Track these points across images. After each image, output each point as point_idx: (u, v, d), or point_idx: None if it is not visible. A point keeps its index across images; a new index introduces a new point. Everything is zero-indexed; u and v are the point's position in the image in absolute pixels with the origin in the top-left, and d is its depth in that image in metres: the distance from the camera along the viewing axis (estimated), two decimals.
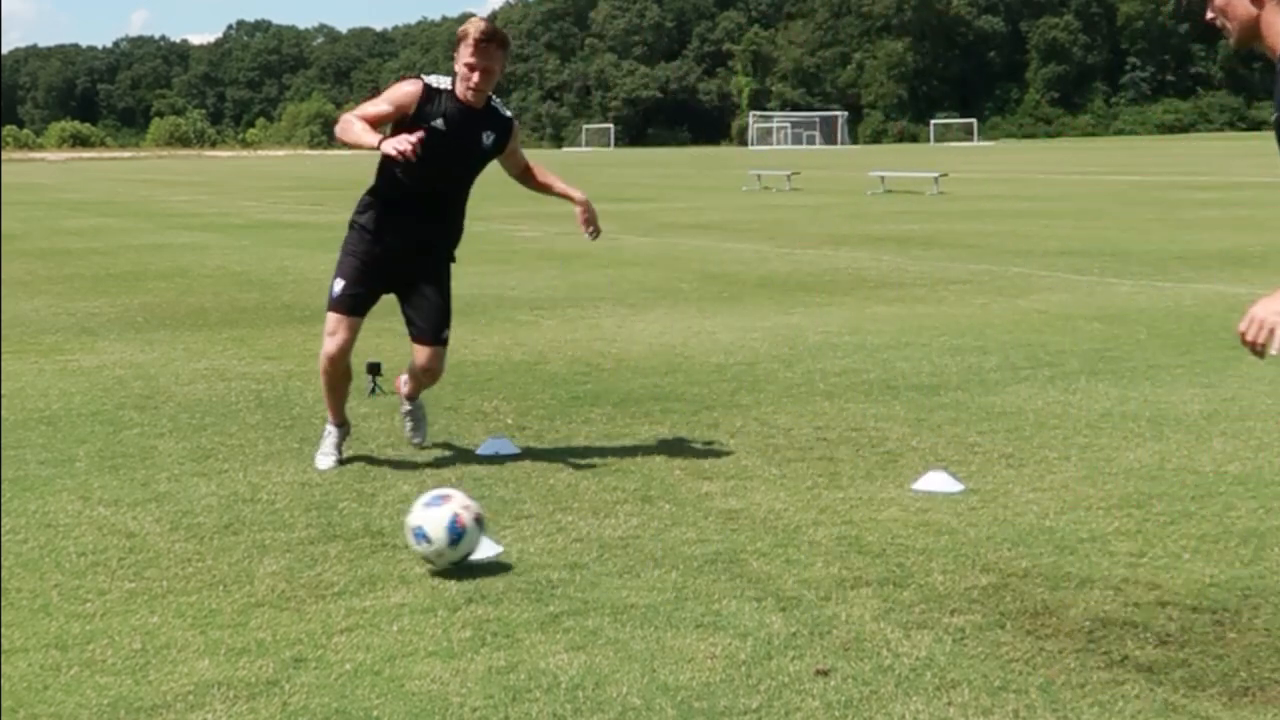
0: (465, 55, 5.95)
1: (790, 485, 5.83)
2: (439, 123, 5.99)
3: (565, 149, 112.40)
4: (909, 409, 7.39)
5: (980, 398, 7.68)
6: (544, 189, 6.57)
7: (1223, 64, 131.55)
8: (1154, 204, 26.25)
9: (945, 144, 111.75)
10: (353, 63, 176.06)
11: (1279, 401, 7.42)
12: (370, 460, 6.41)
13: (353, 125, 5.95)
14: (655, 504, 5.55)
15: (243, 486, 5.94)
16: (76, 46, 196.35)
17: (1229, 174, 39.08)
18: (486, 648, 4.01)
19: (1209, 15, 3.44)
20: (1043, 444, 6.53)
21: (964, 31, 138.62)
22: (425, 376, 6.46)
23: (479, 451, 6.54)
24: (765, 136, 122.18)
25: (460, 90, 6.02)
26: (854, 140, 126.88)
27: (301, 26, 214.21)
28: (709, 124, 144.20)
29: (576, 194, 6.43)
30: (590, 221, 6.39)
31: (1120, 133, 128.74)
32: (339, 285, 6.26)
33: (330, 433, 6.45)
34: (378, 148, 5.76)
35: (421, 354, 6.37)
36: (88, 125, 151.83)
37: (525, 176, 6.51)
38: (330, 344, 6.26)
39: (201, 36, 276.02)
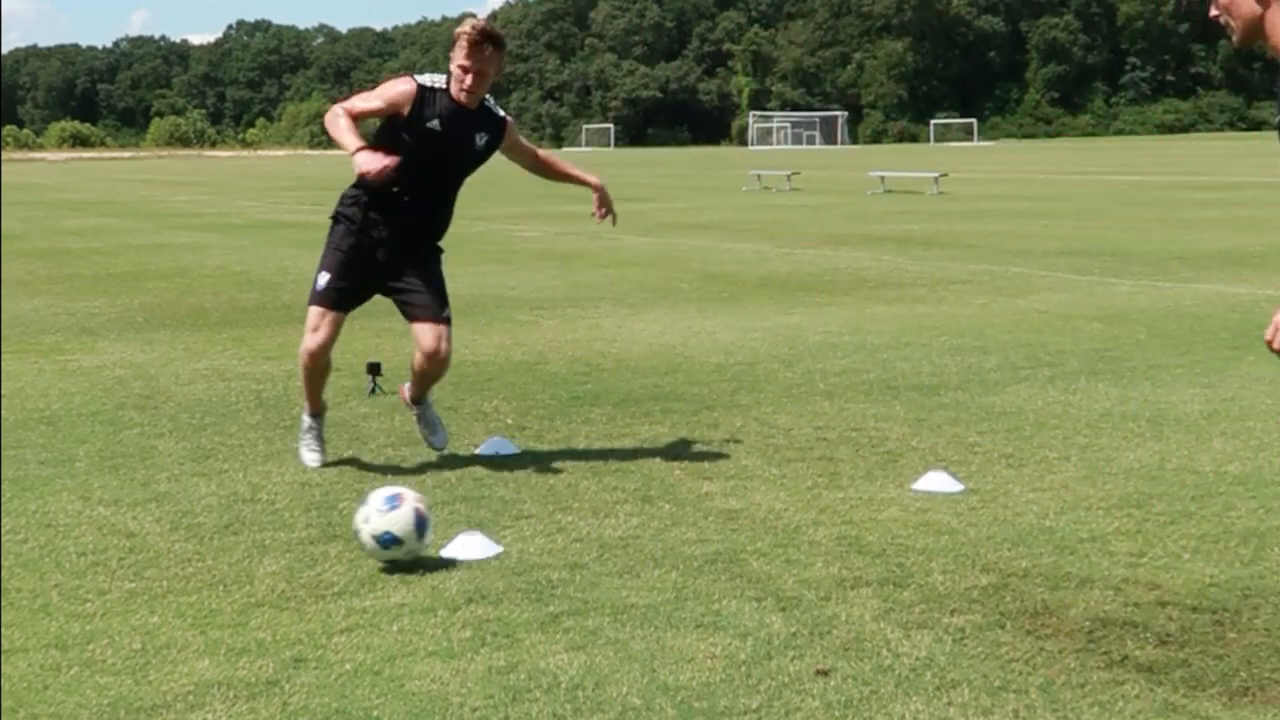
0: (459, 57, 5.92)
1: (790, 485, 5.83)
2: (434, 124, 5.96)
3: (565, 149, 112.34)
4: (909, 409, 7.39)
5: (980, 398, 7.68)
6: (560, 177, 6.64)
7: (1223, 64, 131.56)
8: (1154, 204, 26.25)
9: (945, 144, 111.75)
10: (353, 63, 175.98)
11: (1279, 401, 7.42)
12: (370, 460, 6.41)
13: (338, 121, 5.94)
14: (655, 504, 5.55)
15: (243, 486, 5.94)
16: (76, 46, 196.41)
17: (1229, 174, 39.08)
18: (486, 648, 4.01)
19: (1212, 12, 3.42)
20: (1043, 444, 6.53)
21: (964, 31, 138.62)
22: (432, 364, 6.15)
23: (479, 451, 6.54)
24: (765, 136, 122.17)
25: (454, 90, 5.99)
26: (854, 140, 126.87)
27: (301, 26, 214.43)
28: (709, 124, 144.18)
29: (592, 179, 6.49)
30: (606, 207, 6.42)
31: (1120, 133, 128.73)
32: (323, 279, 6.13)
33: (310, 426, 6.34)
34: (353, 155, 5.79)
35: (426, 336, 6.09)
36: (88, 125, 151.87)
37: (538, 167, 6.53)
38: (311, 340, 6.14)
39: (201, 36, 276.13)
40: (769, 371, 8.63)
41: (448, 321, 6.18)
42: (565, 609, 4.32)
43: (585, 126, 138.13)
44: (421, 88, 6.01)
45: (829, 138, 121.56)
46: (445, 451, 6.54)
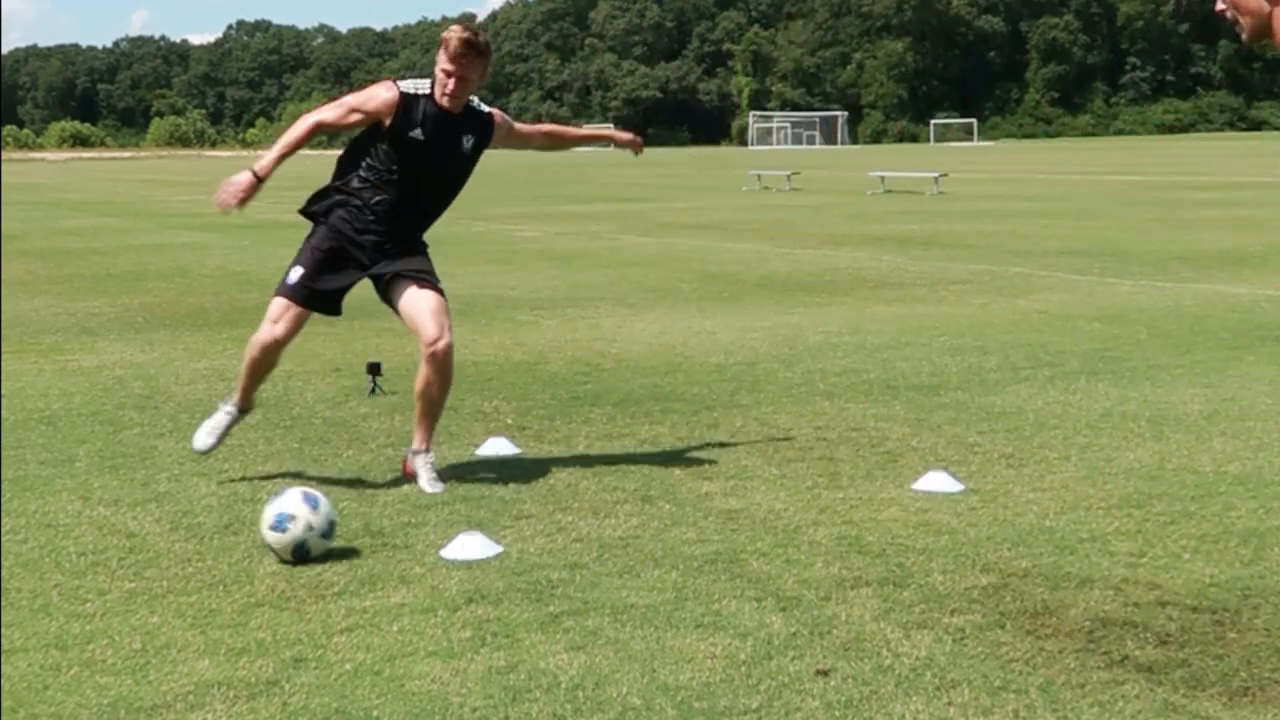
0: (443, 62, 5.83)
1: (790, 485, 5.83)
2: (417, 133, 5.85)
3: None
4: (909, 409, 7.39)
5: (980, 398, 7.68)
6: (576, 142, 6.82)
7: (1223, 64, 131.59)
8: (1154, 204, 26.25)
9: (945, 144, 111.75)
10: (353, 63, 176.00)
11: (1279, 401, 7.42)
12: (370, 460, 6.41)
13: (294, 130, 5.99)
14: (655, 504, 5.55)
15: (243, 486, 5.94)
16: (76, 46, 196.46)
17: (1229, 174, 39.08)
18: (486, 648, 4.01)
19: (1219, 6, 3.39)
20: (1043, 444, 6.53)
21: (964, 31, 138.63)
22: (438, 343, 5.74)
23: (479, 451, 6.54)
24: (765, 136, 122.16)
25: (437, 94, 5.89)
26: (854, 140, 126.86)
27: (301, 26, 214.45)
28: (709, 124, 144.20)
29: (605, 131, 6.64)
30: (633, 145, 6.54)
31: (1120, 133, 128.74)
32: (295, 273, 5.91)
33: (228, 413, 6.13)
34: (254, 174, 5.89)
35: (421, 305, 5.80)
36: (88, 125, 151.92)
37: (552, 143, 6.59)
38: (268, 331, 5.88)
39: (201, 36, 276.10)
40: (769, 371, 8.63)
41: (441, 291, 5.93)
42: (565, 609, 4.32)
43: (585, 126, 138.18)
44: (404, 95, 5.90)
45: (829, 138, 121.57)
46: (445, 451, 6.53)
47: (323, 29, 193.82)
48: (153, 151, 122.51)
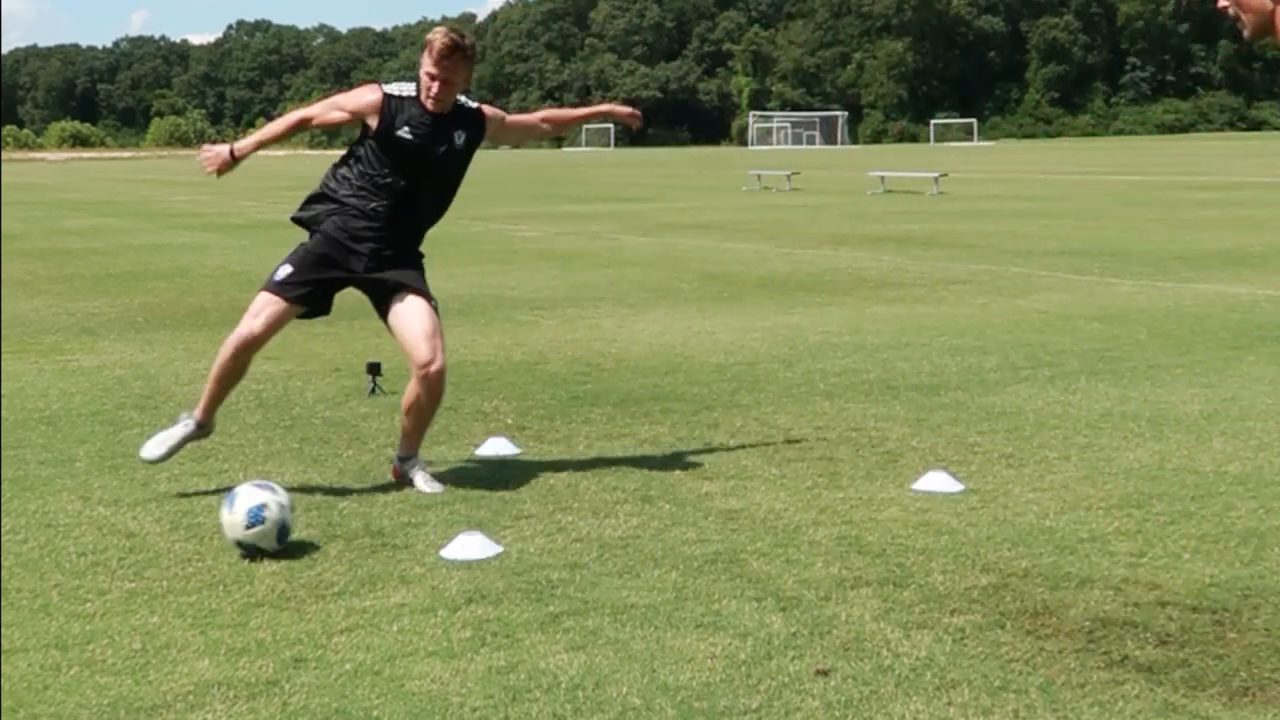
0: (427, 65, 5.80)
1: (790, 485, 5.83)
2: (404, 132, 5.82)
3: (565, 149, 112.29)
4: (909, 409, 7.39)
5: (980, 398, 7.68)
6: (576, 122, 6.83)
7: (1223, 64, 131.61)
8: (1154, 204, 26.25)
9: (945, 144, 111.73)
10: (353, 63, 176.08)
11: (1279, 401, 7.42)
12: (370, 460, 6.40)
13: (280, 121, 6.11)
14: (655, 504, 5.55)
15: None
16: (76, 46, 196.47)
17: (1229, 174, 39.08)
18: (486, 648, 4.01)
19: (1221, 3, 3.39)
20: (1043, 444, 6.53)
21: (964, 31, 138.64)
22: (430, 366, 5.70)
23: (479, 451, 6.54)
24: (765, 136, 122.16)
25: (422, 97, 5.86)
26: (854, 140, 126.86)
27: (301, 26, 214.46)
28: (709, 124, 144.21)
29: (602, 108, 6.65)
30: (630, 120, 6.56)
31: (1120, 133, 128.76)
32: (284, 270, 5.87)
33: (185, 426, 6.00)
34: (231, 151, 6.00)
35: (415, 325, 5.74)
36: (88, 125, 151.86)
37: (552, 129, 6.59)
38: (247, 325, 5.83)
39: (201, 36, 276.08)
40: (769, 371, 8.63)
41: (430, 296, 5.88)
42: (565, 609, 4.32)
43: (585, 126, 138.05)
44: (388, 97, 5.88)
45: (829, 138, 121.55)
46: (445, 451, 6.54)
47: (323, 29, 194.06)
48: (153, 151, 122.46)
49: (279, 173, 59.15)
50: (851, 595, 4.42)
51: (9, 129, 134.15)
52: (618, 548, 4.97)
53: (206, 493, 5.82)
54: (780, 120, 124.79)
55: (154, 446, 6.00)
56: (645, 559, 4.83)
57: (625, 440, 6.77)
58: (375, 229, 5.88)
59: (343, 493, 5.78)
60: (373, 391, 7.95)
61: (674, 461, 6.27)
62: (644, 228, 21.88)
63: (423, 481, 5.82)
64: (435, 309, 5.90)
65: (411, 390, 5.85)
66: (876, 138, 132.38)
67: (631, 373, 8.65)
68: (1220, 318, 10.67)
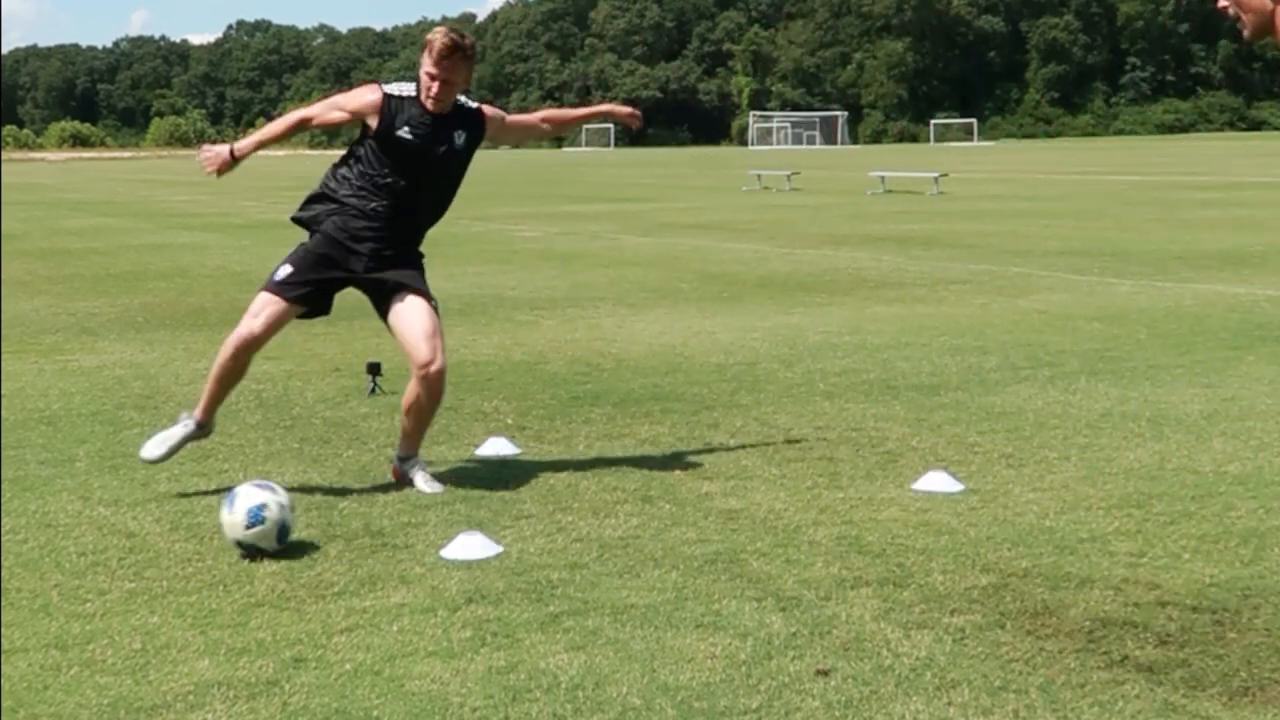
0: (427, 65, 5.79)
1: (790, 485, 5.83)
2: (404, 132, 5.81)
3: (565, 149, 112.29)
4: (909, 409, 7.39)
5: (980, 398, 7.68)
6: (576, 122, 6.82)
7: (1223, 64, 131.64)
8: (1154, 204, 26.25)
9: (945, 144, 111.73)
10: (353, 63, 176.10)
11: (1279, 401, 7.42)
12: (370, 460, 6.41)
13: (281, 121, 6.11)
14: (655, 504, 5.55)
15: None
16: (76, 46, 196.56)
17: (1229, 174, 39.08)
18: (486, 648, 4.01)
19: (1221, 3, 3.38)
20: (1043, 444, 6.53)
21: (964, 31, 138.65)
22: (430, 367, 5.69)
23: (479, 451, 6.54)
24: (765, 136, 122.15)
25: (422, 97, 5.85)
26: (854, 140, 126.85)
27: (301, 26, 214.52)
28: (709, 124, 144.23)
29: (603, 108, 6.66)
30: (630, 120, 6.56)
31: (1120, 133, 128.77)
32: (284, 270, 5.86)
33: (185, 426, 6.00)
34: (231, 151, 6.00)
35: (415, 325, 5.74)
36: (88, 125, 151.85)
37: (553, 129, 6.57)
38: (247, 325, 5.84)
39: (201, 36, 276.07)
40: (769, 371, 8.63)
41: (430, 296, 5.87)
42: (565, 609, 4.32)
43: (585, 126, 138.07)
44: (388, 97, 5.87)
45: (829, 138, 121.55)
46: (445, 451, 6.54)
47: (323, 29, 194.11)
48: (153, 151, 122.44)
49: (279, 173, 59.16)
50: (851, 595, 4.42)
51: (9, 129, 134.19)
52: (618, 548, 4.97)
53: (206, 493, 5.82)
54: (780, 120, 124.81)
55: (154, 446, 6.00)
56: (645, 559, 4.83)
57: (625, 440, 6.77)
58: (375, 229, 5.87)
59: (343, 493, 5.78)
60: (373, 391, 7.95)
61: (674, 461, 6.27)
62: (644, 228, 21.88)
63: (423, 481, 5.83)
64: (435, 309, 5.90)
65: (411, 390, 5.86)
66: (876, 138, 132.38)
67: (631, 373, 8.65)
68: (1220, 318, 10.67)
